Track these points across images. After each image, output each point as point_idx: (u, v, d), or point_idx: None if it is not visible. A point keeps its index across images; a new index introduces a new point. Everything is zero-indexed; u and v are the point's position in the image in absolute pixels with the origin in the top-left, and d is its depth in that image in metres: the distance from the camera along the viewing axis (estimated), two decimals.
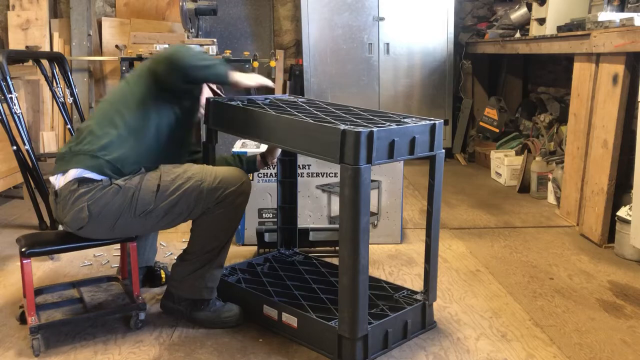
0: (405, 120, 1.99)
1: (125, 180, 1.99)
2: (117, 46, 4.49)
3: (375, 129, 1.75)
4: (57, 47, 5.15)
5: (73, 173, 1.97)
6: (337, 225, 2.96)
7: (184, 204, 2.01)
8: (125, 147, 2.01)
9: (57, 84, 3.63)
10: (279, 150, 2.54)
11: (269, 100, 2.36)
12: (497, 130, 5.10)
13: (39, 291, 2.29)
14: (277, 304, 2.10)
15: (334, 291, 2.20)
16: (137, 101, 2.07)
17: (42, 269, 2.71)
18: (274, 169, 2.81)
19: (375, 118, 2.01)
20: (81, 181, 1.96)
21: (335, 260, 2.85)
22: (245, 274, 2.44)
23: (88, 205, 1.95)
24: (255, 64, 4.66)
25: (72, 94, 3.62)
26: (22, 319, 2.14)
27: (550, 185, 3.91)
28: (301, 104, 2.32)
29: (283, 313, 2.07)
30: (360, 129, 1.73)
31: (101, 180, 1.97)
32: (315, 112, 2.10)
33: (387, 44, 5.10)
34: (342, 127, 1.76)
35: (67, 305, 2.24)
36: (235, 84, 2.16)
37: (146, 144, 2.05)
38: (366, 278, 1.83)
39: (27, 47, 4.96)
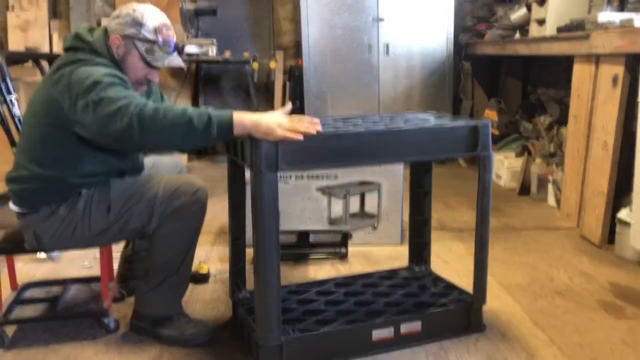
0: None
1: (69, 206, 1.92)
2: None
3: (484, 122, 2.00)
4: (57, 48, 5.15)
5: (13, 207, 1.97)
6: (337, 227, 2.97)
7: (137, 220, 1.92)
8: (53, 177, 1.90)
9: None
10: None
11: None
12: (497, 132, 5.10)
13: (26, 286, 2.40)
14: (390, 321, 1.99)
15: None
16: (43, 138, 1.91)
17: (42, 270, 2.70)
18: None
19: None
20: (21, 213, 1.96)
21: (335, 262, 2.85)
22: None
23: (35, 232, 1.94)
24: (255, 65, 4.67)
25: None
26: None
27: (550, 187, 3.91)
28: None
29: (402, 324, 2.00)
30: (478, 122, 1.97)
31: (39, 211, 1.92)
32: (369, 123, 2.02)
33: (387, 45, 5.10)
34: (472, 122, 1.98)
35: (44, 303, 2.33)
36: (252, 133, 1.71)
37: (82, 161, 1.91)
38: None
39: (26, 48, 4.96)
